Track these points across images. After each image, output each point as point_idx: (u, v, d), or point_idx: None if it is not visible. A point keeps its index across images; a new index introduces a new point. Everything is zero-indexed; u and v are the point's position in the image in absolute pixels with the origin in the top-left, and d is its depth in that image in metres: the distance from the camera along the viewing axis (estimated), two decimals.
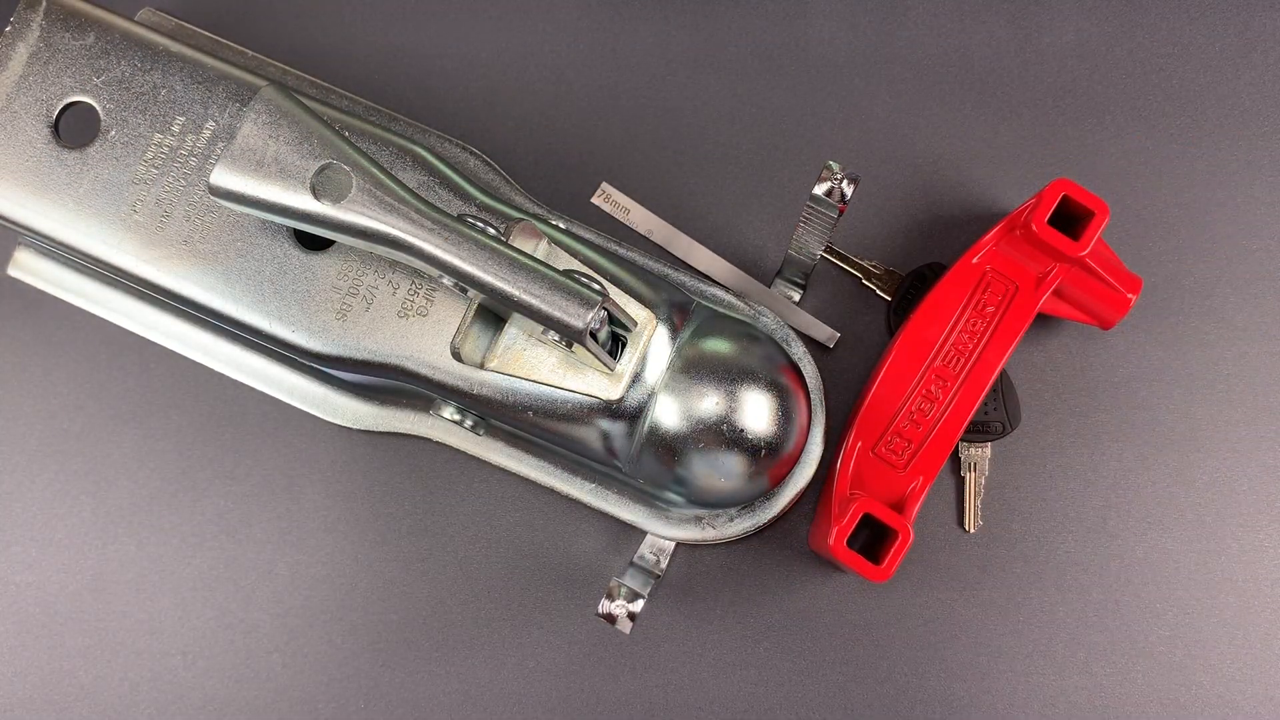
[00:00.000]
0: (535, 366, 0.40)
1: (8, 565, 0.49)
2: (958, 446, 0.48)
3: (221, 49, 0.48)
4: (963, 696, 0.47)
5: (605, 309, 0.38)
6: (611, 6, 0.51)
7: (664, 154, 0.50)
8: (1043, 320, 0.49)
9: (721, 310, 0.44)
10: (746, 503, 0.44)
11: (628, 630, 0.41)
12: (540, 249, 0.41)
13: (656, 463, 0.41)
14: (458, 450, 0.48)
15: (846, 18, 0.51)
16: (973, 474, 0.48)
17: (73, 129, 0.46)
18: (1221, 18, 0.50)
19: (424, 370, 0.41)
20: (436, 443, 0.48)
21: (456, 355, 0.41)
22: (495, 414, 0.42)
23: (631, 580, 0.42)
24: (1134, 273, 0.48)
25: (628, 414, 0.40)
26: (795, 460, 0.43)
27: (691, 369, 0.40)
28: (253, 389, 0.49)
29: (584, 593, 0.48)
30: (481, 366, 0.41)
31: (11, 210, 0.42)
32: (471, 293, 0.40)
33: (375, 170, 0.38)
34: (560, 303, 0.37)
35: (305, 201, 0.38)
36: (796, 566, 0.48)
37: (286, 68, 0.48)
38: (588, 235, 0.47)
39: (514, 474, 0.47)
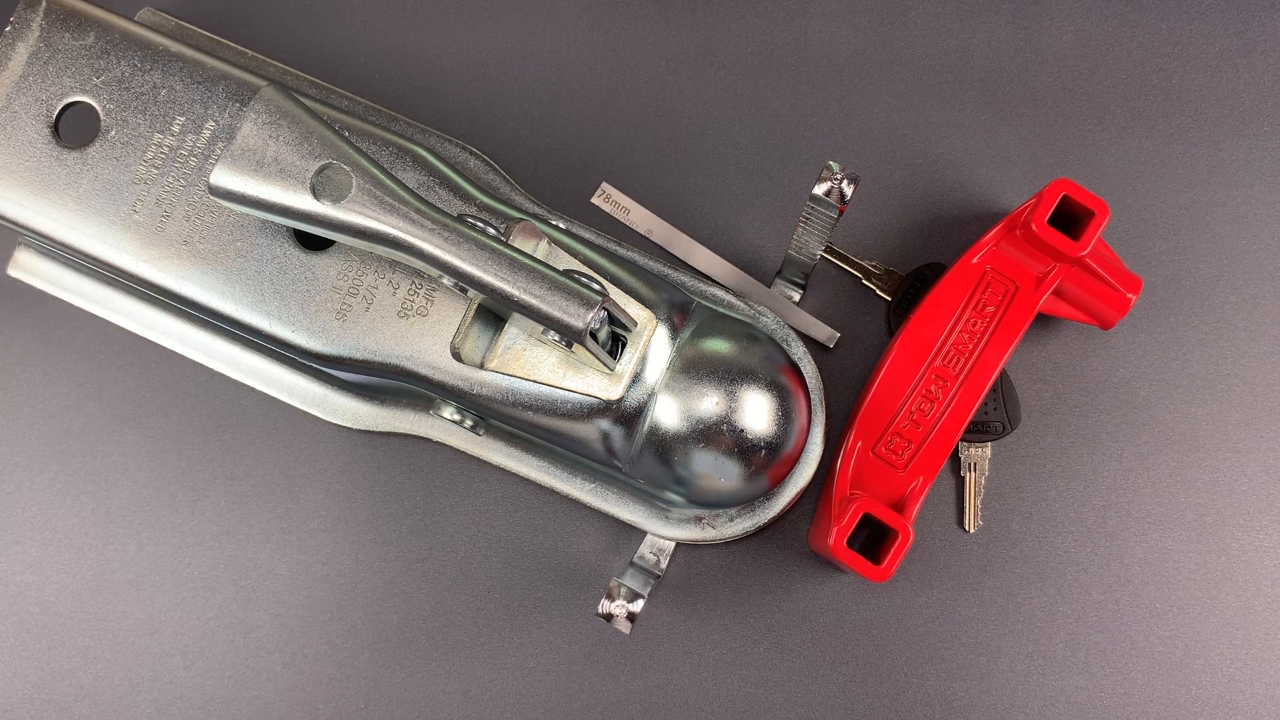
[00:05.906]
0: (535, 366, 0.40)
1: (8, 565, 0.49)
2: (958, 446, 0.48)
3: (221, 49, 0.48)
4: (963, 696, 0.47)
5: (605, 309, 0.38)
6: (611, 6, 0.51)
7: (664, 154, 0.50)
8: (1043, 320, 0.49)
9: (721, 310, 0.44)
10: (746, 503, 0.44)
11: (628, 630, 0.41)
12: (540, 249, 0.41)
13: (656, 463, 0.41)
14: (458, 450, 0.48)
15: (846, 18, 0.51)
16: (973, 474, 0.48)
17: (73, 129, 0.46)
18: (1221, 18, 0.50)
19: (424, 370, 0.41)
20: (436, 443, 0.48)
21: (456, 355, 0.41)
22: (495, 414, 0.42)
23: (631, 580, 0.42)
24: (1134, 273, 0.48)
25: (628, 414, 0.40)
26: (795, 460, 0.42)
27: (691, 369, 0.40)
28: (253, 389, 0.49)
29: (584, 593, 0.48)
30: (481, 366, 0.41)
31: (11, 210, 0.42)
32: (471, 293, 0.40)
33: (375, 170, 0.38)
34: (560, 303, 0.37)
35: (305, 201, 0.38)
36: (796, 566, 0.48)
37: (286, 68, 0.48)
38: (588, 235, 0.47)
39: (514, 474, 0.47)
